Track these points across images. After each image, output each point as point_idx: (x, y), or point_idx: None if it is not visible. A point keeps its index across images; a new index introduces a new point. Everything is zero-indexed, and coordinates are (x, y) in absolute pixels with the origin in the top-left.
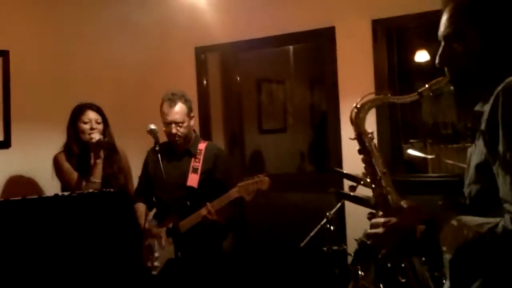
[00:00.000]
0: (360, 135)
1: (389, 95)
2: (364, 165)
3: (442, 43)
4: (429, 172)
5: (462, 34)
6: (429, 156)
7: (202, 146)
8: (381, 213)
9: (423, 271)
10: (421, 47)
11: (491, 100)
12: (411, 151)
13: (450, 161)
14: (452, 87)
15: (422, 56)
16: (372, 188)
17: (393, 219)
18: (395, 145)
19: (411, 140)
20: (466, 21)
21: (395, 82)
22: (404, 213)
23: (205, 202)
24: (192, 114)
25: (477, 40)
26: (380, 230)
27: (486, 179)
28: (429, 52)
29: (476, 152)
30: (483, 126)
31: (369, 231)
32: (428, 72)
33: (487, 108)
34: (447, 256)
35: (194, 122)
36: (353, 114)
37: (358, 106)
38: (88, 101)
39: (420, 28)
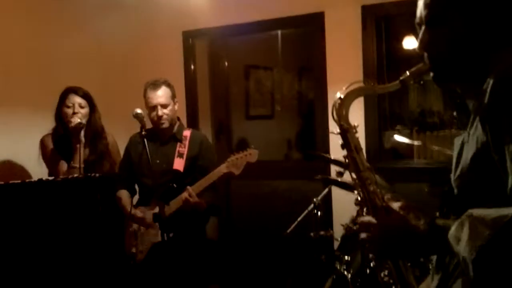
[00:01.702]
0: (344, 131)
1: (373, 84)
2: (347, 161)
3: (422, 28)
4: (415, 159)
5: (443, 18)
6: (415, 142)
7: (187, 133)
8: (365, 210)
9: (407, 269)
10: (410, 34)
11: (489, 87)
12: (397, 137)
13: (436, 148)
14: (431, 74)
15: (411, 43)
16: (355, 184)
17: (388, 220)
18: (382, 133)
19: (398, 127)
20: (448, 4)
21: (383, 70)
22: (398, 215)
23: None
24: (175, 100)
25: (460, 24)
26: (373, 233)
27: (480, 170)
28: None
29: (470, 142)
30: (483, 114)
31: (363, 235)
32: (417, 60)
33: (483, 95)
34: (467, 257)
35: (178, 108)
36: (336, 107)
37: (342, 97)
38: (75, 85)
39: (409, 15)
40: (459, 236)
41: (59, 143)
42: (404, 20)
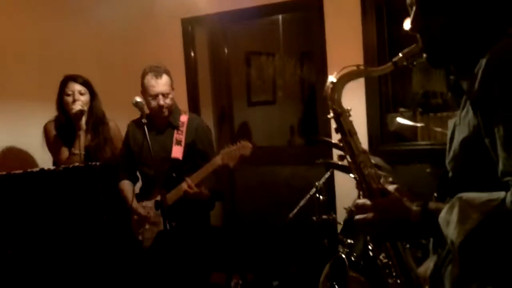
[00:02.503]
0: (338, 115)
1: (364, 67)
2: (341, 144)
3: (414, 8)
4: (419, 141)
5: (436, 2)
6: (418, 124)
7: (184, 118)
8: (361, 193)
9: (405, 251)
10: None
11: (480, 69)
12: (400, 119)
13: (439, 129)
14: (424, 55)
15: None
16: (352, 168)
17: (384, 202)
18: (384, 115)
19: (401, 109)
20: None
21: (385, 53)
22: (394, 196)
23: (190, 175)
24: (173, 87)
25: (454, 8)
26: (370, 215)
27: (472, 154)
28: None
29: (462, 125)
30: (474, 97)
31: (357, 217)
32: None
33: (475, 77)
34: (454, 240)
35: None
36: (329, 92)
37: (334, 80)
38: (74, 73)
39: None
40: (449, 219)
41: (61, 130)
42: (404, 5)
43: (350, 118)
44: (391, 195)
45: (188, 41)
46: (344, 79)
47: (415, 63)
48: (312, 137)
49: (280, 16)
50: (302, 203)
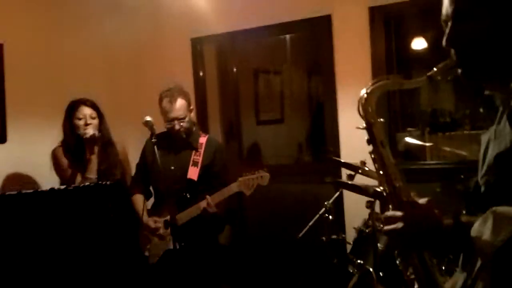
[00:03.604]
0: (370, 125)
1: (397, 79)
2: (373, 156)
3: (449, 24)
4: (427, 160)
5: (470, 12)
6: (426, 144)
7: (203, 140)
8: (391, 206)
9: (433, 266)
10: (418, 34)
11: None
12: (408, 139)
13: (447, 148)
14: (459, 70)
15: (420, 43)
16: (382, 180)
17: (415, 212)
18: (393, 134)
19: (409, 129)
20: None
21: (393, 70)
22: (427, 206)
23: (205, 195)
24: (191, 107)
25: (487, 18)
26: (400, 225)
27: (507, 169)
28: (427, 39)
29: (497, 139)
30: (511, 111)
31: (387, 227)
32: (426, 59)
33: (511, 93)
34: (487, 253)
35: (194, 114)
36: (362, 103)
37: (368, 91)
38: (82, 95)
39: (417, 14)
40: (482, 231)
41: (71, 155)
42: (412, 19)
43: (382, 131)
44: (421, 206)
45: (197, 60)
46: (377, 91)
47: (449, 78)
48: (321, 156)
49: (288, 35)
50: (311, 223)
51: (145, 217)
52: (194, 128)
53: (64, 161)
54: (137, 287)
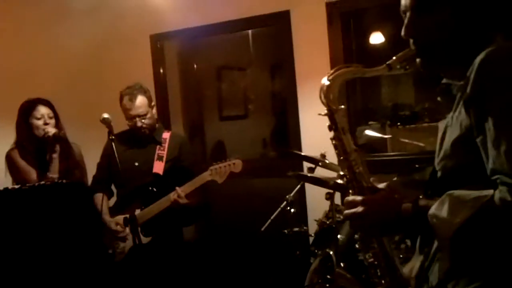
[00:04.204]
0: (332, 112)
1: (360, 67)
2: (334, 142)
3: (408, 14)
4: (388, 152)
5: (430, 5)
6: (386, 136)
7: (166, 135)
8: (351, 191)
9: (392, 251)
10: (376, 29)
11: (473, 71)
12: (369, 132)
13: (406, 140)
14: (418, 60)
15: (377, 38)
16: (343, 166)
17: (374, 197)
18: (354, 127)
19: (370, 122)
20: None
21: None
22: (386, 191)
23: (175, 187)
24: (152, 103)
25: (447, 12)
26: (359, 209)
27: (463, 153)
28: (384, 34)
29: (453, 126)
30: (467, 98)
31: (347, 211)
32: (385, 54)
33: (468, 79)
34: (445, 234)
35: (155, 111)
36: (324, 90)
37: (330, 78)
38: (38, 95)
39: (374, 9)
40: (439, 214)
41: (30, 155)
42: (369, 14)
43: (344, 118)
44: (381, 191)
45: (157, 57)
46: (339, 78)
47: (407, 67)
48: (282, 149)
49: (250, 31)
50: (273, 216)
51: (107, 217)
52: (157, 125)
53: (22, 163)
54: (101, 284)
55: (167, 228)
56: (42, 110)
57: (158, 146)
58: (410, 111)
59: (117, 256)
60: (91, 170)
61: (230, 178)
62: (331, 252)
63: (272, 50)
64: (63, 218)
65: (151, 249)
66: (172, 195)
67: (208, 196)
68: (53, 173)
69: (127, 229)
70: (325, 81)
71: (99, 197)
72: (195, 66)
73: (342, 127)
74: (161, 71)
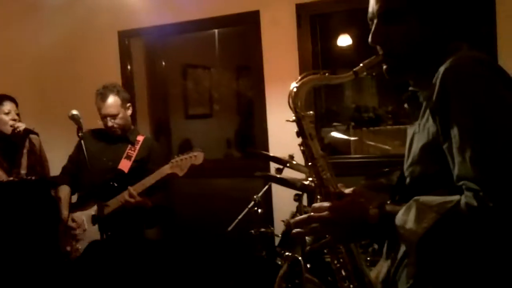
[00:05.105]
0: (300, 118)
1: (326, 74)
2: (302, 148)
3: (375, 21)
4: (352, 154)
5: (398, 14)
6: (352, 138)
7: (140, 138)
8: (319, 197)
9: (358, 255)
10: (344, 32)
11: (438, 80)
12: (334, 134)
13: (371, 143)
14: (384, 67)
15: (344, 41)
16: (310, 171)
17: (341, 203)
18: (319, 129)
19: (335, 124)
20: (403, 2)
21: (319, 67)
22: (353, 196)
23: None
24: (128, 105)
25: (414, 22)
26: (325, 213)
27: (431, 160)
28: (352, 37)
29: (421, 132)
30: (433, 106)
31: (313, 215)
32: (352, 57)
33: (433, 87)
34: (412, 239)
35: (131, 112)
36: (292, 96)
37: (298, 85)
38: (4, 91)
39: (343, 13)
40: (406, 219)
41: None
42: (338, 18)
43: (311, 124)
44: (348, 197)
45: (125, 54)
46: (306, 85)
47: (374, 73)
48: (250, 150)
49: (216, 30)
50: (240, 216)
51: (65, 212)
52: (132, 126)
53: None
54: (56, 283)
55: (124, 226)
56: (9, 106)
57: (129, 146)
58: (374, 113)
59: (73, 254)
60: (57, 167)
61: (194, 177)
62: (299, 258)
63: (239, 49)
64: (24, 215)
65: (108, 246)
66: (124, 195)
67: (172, 196)
68: (23, 169)
69: (85, 226)
70: (293, 87)
71: (63, 189)
72: (163, 63)
73: (310, 133)
74: (129, 67)
